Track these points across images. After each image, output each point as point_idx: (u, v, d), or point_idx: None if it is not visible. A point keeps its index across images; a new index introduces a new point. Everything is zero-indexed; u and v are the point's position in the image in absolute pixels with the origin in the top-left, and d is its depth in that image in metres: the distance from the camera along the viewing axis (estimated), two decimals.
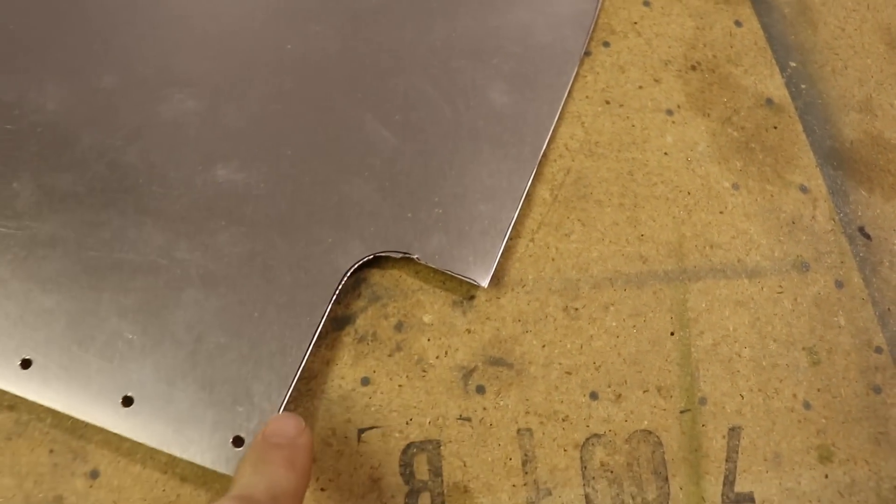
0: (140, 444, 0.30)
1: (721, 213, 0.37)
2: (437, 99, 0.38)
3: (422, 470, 0.32)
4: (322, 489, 0.31)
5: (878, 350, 0.36)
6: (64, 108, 0.37)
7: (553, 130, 0.38)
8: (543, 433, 0.33)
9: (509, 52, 0.40)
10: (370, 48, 0.39)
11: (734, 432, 0.34)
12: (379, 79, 0.39)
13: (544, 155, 0.37)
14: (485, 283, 0.34)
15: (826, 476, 0.34)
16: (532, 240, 0.36)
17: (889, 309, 0.37)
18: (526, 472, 0.32)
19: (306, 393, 0.33)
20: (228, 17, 0.39)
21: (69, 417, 0.31)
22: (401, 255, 0.34)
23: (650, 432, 0.33)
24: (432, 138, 0.37)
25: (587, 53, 0.40)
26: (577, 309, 0.35)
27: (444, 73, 0.39)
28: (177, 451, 0.30)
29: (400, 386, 0.33)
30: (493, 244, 0.35)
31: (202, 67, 0.38)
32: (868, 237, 0.38)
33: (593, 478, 0.32)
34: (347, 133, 0.37)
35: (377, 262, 0.35)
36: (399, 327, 0.34)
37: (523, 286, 0.35)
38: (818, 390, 0.35)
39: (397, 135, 0.37)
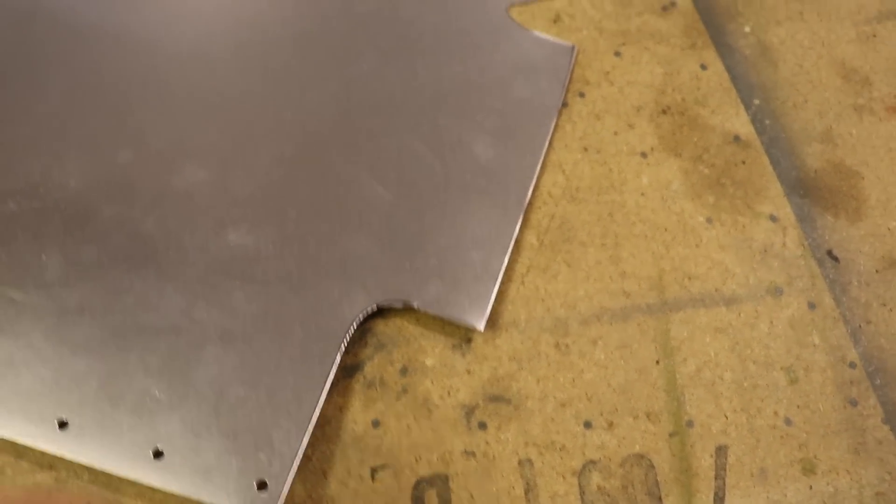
0: (171, 493, 0.33)
1: (697, 246, 0.40)
2: (427, 155, 0.41)
3: (432, 503, 0.34)
4: None
5: (852, 365, 0.39)
6: (84, 184, 0.40)
7: (536, 179, 0.41)
8: (543, 462, 0.35)
9: (491, 107, 0.43)
10: (363, 111, 0.43)
11: (721, 451, 0.36)
12: (373, 140, 0.42)
13: (529, 203, 0.40)
14: (481, 326, 0.37)
15: (810, 487, 0.36)
16: (522, 283, 0.39)
17: (860, 326, 0.40)
18: (528, 500, 0.34)
19: (322, 437, 0.35)
20: (231, 90, 0.43)
21: (104, 473, 0.34)
22: (402, 304, 0.37)
23: (642, 456, 0.36)
24: (425, 193, 0.40)
25: (564, 105, 0.43)
26: (567, 345, 0.38)
27: (432, 130, 0.42)
28: (206, 498, 0.33)
29: (408, 426, 0.36)
30: (487, 289, 0.38)
31: (210, 139, 0.41)
32: (836, 259, 0.41)
33: (592, 502, 0.35)
34: (346, 192, 0.40)
35: (381, 312, 0.38)
36: (404, 371, 0.37)
37: (516, 326, 0.38)
38: (798, 407, 0.37)
39: (392, 191, 0.40)
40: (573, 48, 0.45)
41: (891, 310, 0.40)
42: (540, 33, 0.45)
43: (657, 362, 0.38)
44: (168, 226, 0.39)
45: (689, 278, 0.40)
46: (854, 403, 0.38)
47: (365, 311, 0.37)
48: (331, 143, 0.42)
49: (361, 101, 0.43)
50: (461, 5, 0.46)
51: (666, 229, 0.40)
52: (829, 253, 0.41)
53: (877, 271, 0.41)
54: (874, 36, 0.47)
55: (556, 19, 0.46)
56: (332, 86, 0.43)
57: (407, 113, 0.43)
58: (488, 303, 0.37)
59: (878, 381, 0.38)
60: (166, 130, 0.42)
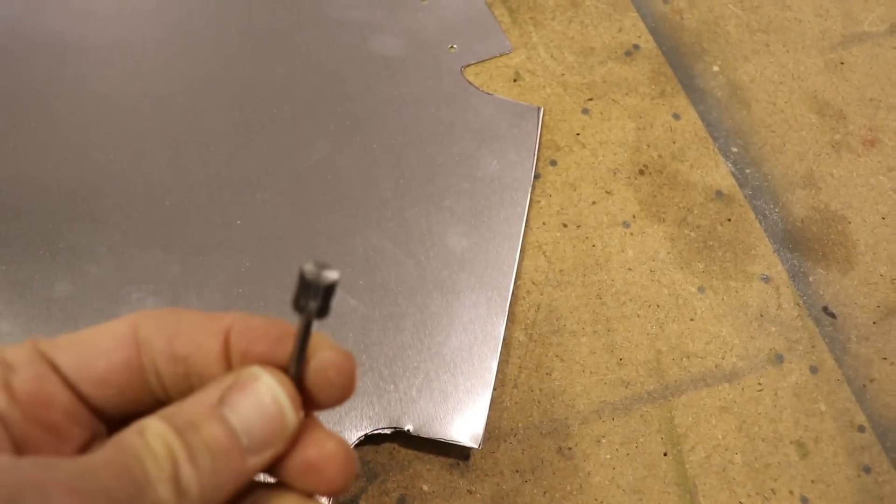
0: None
1: (692, 320, 0.38)
2: (397, 254, 0.38)
3: None
4: None
5: (861, 429, 0.37)
6: (17, 328, 0.36)
7: (517, 266, 0.38)
8: None
9: (459, 189, 0.40)
10: (320, 208, 0.39)
11: None
12: (335, 242, 0.38)
13: (513, 294, 0.38)
14: (477, 444, 0.34)
15: None
16: (515, 385, 0.36)
17: (864, 385, 0.38)
18: None
19: None
20: (174, 198, 0.39)
21: None
22: (391, 430, 0.34)
23: None
24: (400, 298, 0.37)
25: (537, 176, 0.40)
26: (570, 448, 0.35)
27: (399, 224, 0.39)
28: None
29: None
30: (479, 401, 0.35)
31: (156, 259, 0.37)
32: (833, 315, 0.40)
33: None
34: None
35: (370, 438, 0.35)
36: (402, 501, 0.34)
37: (515, 435, 0.35)
38: (812, 482, 0.36)
39: (364, 301, 0.37)
40: (539, 110, 0.42)
41: (892, 363, 0.39)
42: (501, 96, 0.42)
43: (665, 454, 0.36)
44: None
45: (688, 357, 0.38)
46: (867, 470, 0.37)
47: (352, 443, 0.34)
48: (288, 251, 0.38)
49: (316, 196, 0.39)
50: (412, 72, 0.43)
51: (658, 305, 0.38)
52: (825, 309, 0.40)
53: (874, 323, 0.40)
54: (842, 63, 0.45)
55: (516, 77, 0.43)
56: (281, 183, 0.39)
57: (368, 206, 0.39)
58: (483, 417, 0.35)
59: (888, 443, 0.37)
60: (106, 254, 0.37)
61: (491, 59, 0.43)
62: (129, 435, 0.17)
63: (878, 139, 0.44)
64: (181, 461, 0.17)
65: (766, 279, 0.40)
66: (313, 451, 0.19)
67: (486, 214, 0.39)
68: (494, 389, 0.36)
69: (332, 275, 0.18)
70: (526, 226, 0.39)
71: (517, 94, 0.42)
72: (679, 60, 0.44)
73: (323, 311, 0.18)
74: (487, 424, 0.35)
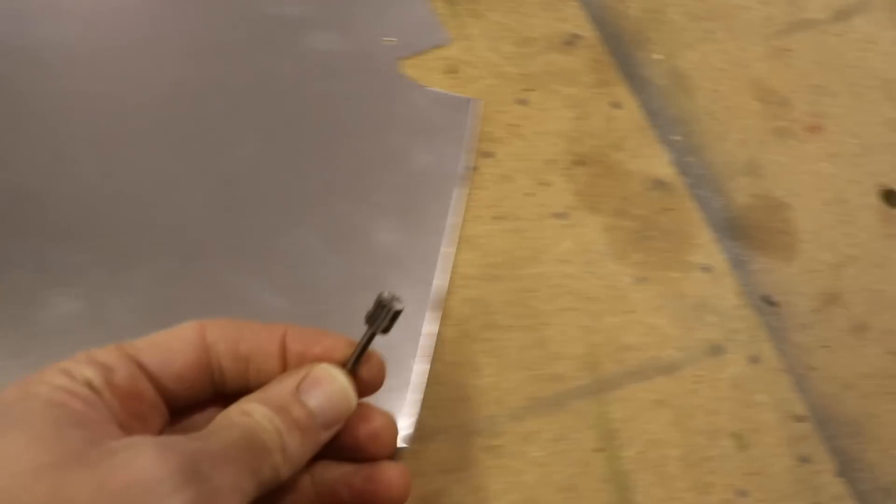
0: None
1: (628, 312, 0.38)
2: (324, 251, 0.37)
3: None
4: None
5: (800, 419, 0.37)
6: None
7: (447, 261, 0.38)
8: None
9: (390, 183, 0.39)
10: (247, 207, 0.38)
11: None
12: (261, 241, 0.37)
13: (444, 290, 0.37)
14: (404, 443, 0.33)
15: None
16: (445, 383, 0.35)
17: (803, 374, 0.38)
18: None
19: None
20: (98, 198, 0.38)
21: None
22: None
23: None
24: (325, 296, 0.37)
25: (471, 169, 0.40)
26: (500, 446, 0.35)
27: (328, 221, 0.38)
28: None
29: None
30: (408, 401, 0.34)
31: (79, 262, 0.36)
32: (774, 304, 0.39)
33: None
34: (238, 309, 0.36)
35: None
36: None
37: (443, 434, 0.35)
38: (750, 475, 0.35)
39: (289, 299, 0.36)
40: (475, 102, 0.41)
41: (833, 351, 0.38)
42: (436, 89, 0.41)
43: (599, 450, 0.35)
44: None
45: (624, 350, 0.37)
46: (806, 460, 0.36)
47: None
48: (214, 251, 0.37)
49: (244, 195, 0.38)
50: (346, 67, 0.42)
51: (594, 298, 0.38)
52: (766, 298, 0.39)
53: (815, 311, 0.39)
54: (787, 50, 0.45)
55: (453, 69, 0.42)
56: (209, 182, 0.39)
57: (297, 204, 0.38)
58: (411, 416, 0.34)
59: (827, 432, 0.37)
60: (24, 255, 0.36)
61: (428, 51, 0.42)
62: (238, 416, 0.22)
63: (821, 125, 0.43)
64: (285, 434, 0.22)
65: (707, 269, 0.39)
66: (378, 422, 0.26)
67: (415, 209, 0.39)
68: (425, 387, 0.35)
69: (399, 305, 0.25)
70: (459, 219, 0.39)
71: (454, 87, 0.41)
72: (621, 49, 0.44)
73: (387, 330, 0.25)
74: (416, 423, 0.34)
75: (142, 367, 0.23)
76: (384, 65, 0.42)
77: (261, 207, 0.38)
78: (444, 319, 0.37)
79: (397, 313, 0.25)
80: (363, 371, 0.25)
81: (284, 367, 0.25)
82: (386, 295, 0.25)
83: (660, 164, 0.41)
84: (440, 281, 0.37)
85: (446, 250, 0.38)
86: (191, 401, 0.25)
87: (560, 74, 0.42)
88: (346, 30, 0.43)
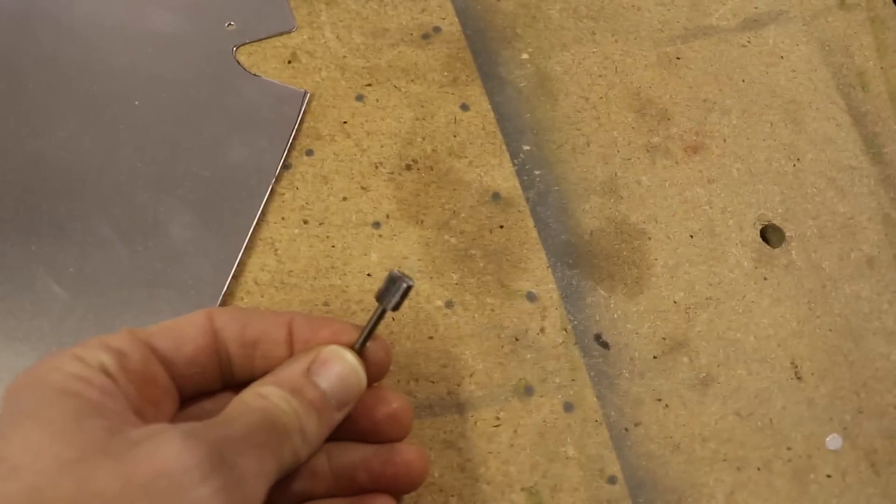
0: None
1: (430, 338, 0.33)
2: (115, 242, 0.35)
3: None
4: None
5: (612, 480, 0.32)
6: None
7: (240, 264, 0.34)
8: None
9: (198, 176, 0.36)
10: (50, 191, 0.36)
11: None
12: (56, 226, 0.35)
13: (231, 294, 0.34)
14: None
15: None
16: None
17: (626, 429, 0.32)
18: None
19: None
20: None
21: None
22: None
23: None
24: (107, 289, 0.34)
25: (286, 167, 0.36)
26: None
27: (124, 211, 0.35)
28: None
29: None
30: None
31: None
32: (605, 346, 0.34)
33: None
34: (18, 294, 0.34)
35: None
36: None
37: None
38: None
39: (69, 289, 0.34)
40: (304, 94, 0.37)
41: (666, 406, 0.33)
42: (269, 78, 0.38)
43: None
44: None
45: (416, 380, 0.33)
46: None
47: None
48: (6, 230, 0.35)
49: (50, 178, 0.36)
50: (181, 50, 0.39)
51: (393, 319, 0.33)
52: (598, 338, 0.34)
53: (655, 357, 0.34)
54: (678, 59, 0.39)
55: (292, 58, 0.39)
56: (16, 161, 0.36)
57: (99, 190, 0.36)
58: None
59: (642, 498, 0.31)
60: None
61: (269, 38, 0.39)
62: (254, 399, 0.22)
63: (703, 145, 0.38)
64: (302, 416, 0.22)
65: (532, 297, 0.34)
66: (396, 404, 0.26)
67: (218, 205, 0.35)
68: None
69: (410, 282, 0.25)
70: (262, 220, 0.35)
71: (289, 77, 0.38)
72: (484, 46, 0.39)
73: (397, 307, 0.25)
74: None
75: (154, 351, 0.23)
76: (220, 51, 0.39)
77: (62, 191, 0.36)
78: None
79: (408, 289, 0.25)
80: (371, 351, 0.26)
81: (291, 352, 0.25)
82: (397, 272, 0.25)
83: (501, 176, 0.36)
84: (224, 284, 0.34)
85: (238, 254, 0.34)
86: (199, 388, 0.25)
87: (408, 70, 0.38)
88: (189, 12, 0.40)
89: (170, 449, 0.19)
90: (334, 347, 0.25)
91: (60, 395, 0.20)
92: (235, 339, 0.25)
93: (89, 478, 0.18)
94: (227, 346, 0.25)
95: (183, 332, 0.24)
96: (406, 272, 0.25)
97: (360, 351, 0.25)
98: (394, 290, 0.25)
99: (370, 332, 0.25)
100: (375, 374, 0.26)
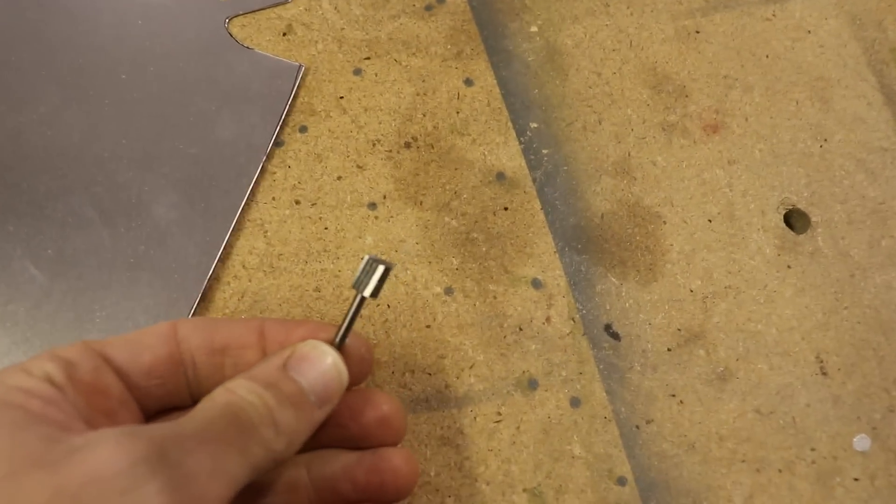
0: None
1: (428, 327, 0.31)
2: (96, 223, 0.33)
3: None
4: None
5: (622, 481, 0.29)
6: None
7: (227, 247, 0.32)
8: None
9: (185, 154, 0.34)
10: (31, 168, 0.34)
11: None
12: (35, 205, 0.33)
13: (216, 278, 0.32)
14: None
15: None
16: None
17: (637, 426, 0.30)
18: None
19: None
20: None
21: None
22: None
23: None
24: (87, 271, 0.32)
25: (278, 144, 0.34)
26: None
27: (107, 189, 0.33)
28: None
29: None
30: None
31: None
32: (616, 337, 0.32)
33: None
34: None
35: None
36: None
37: None
38: None
39: (47, 272, 0.32)
40: (299, 68, 0.35)
41: (681, 402, 0.31)
42: (262, 51, 0.36)
43: None
44: None
45: (412, 372, 0.30)
46: None
47: None
48: None
49: (30, 155, 0.34)
50: (172, 22, 0.37)
51: (389, 306, 0.31)
52: (608, 328, 0.32)
53: (669, 349, 0.31)
54: (697, 32, 0.37)
55: (287, 31, 0.36)
56: None
57: (81, 167, 0.34)
58: None
59: (652, 502, 0.29)
60: None
61: (264, 9, 0.37)
62: (221, 394, 0.21)
63: (723, 124, 0.35)
64: (275, 409, 0.21)
65: (538, 284, 0.32)
66: (387, 406, 0.24)
67: (206, 185, 0.33)
68: None
69: (389, 263, 0.23)
70: (252, 200, 0.33)
71: (283, 50, 0.36)
72: (491, 18, 0.37)
73: (375, 293, 0.23)
74: None
75: (108, 361, 0.22)
76: (211, 22, 0.37)
77: (42, 168, 0.34)
78: (210, 314, 0.31)
79: (386, 272, 0.23)
80: (352, 345, 0.24)
81: (264, 356, 0.23)
82: (371, 256, 0.23)
83: (507, 155, 0.34)
84: (208, 267, 0.32)
85: (225, 235, 0.32)
86: (165, 401, 0.23)
87: (409, 42, 0.36)
88: None
89: (103, 451, 0.17)
90: (312, 341, 0.23)
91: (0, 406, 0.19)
92: (202, 347, 0.23)
93: (17, 491, 0.17)
94: (193, 354, 0.23)
95: (141, 342, 0.23)
96: (384, 259, 0.23)
97: (339, 346, 0.24)
98: (371, 274, 0.23)
99: (350, 324, 0.24)
100: (357, 373, 0.24)
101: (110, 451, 0.17)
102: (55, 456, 0.17)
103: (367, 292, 0.23)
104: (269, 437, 0.20)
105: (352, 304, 0.24)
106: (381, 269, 0.23)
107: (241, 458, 0.19)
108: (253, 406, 0.20)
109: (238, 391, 0.21)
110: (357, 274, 0.23)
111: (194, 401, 0.23)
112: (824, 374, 0.31)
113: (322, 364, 0.22)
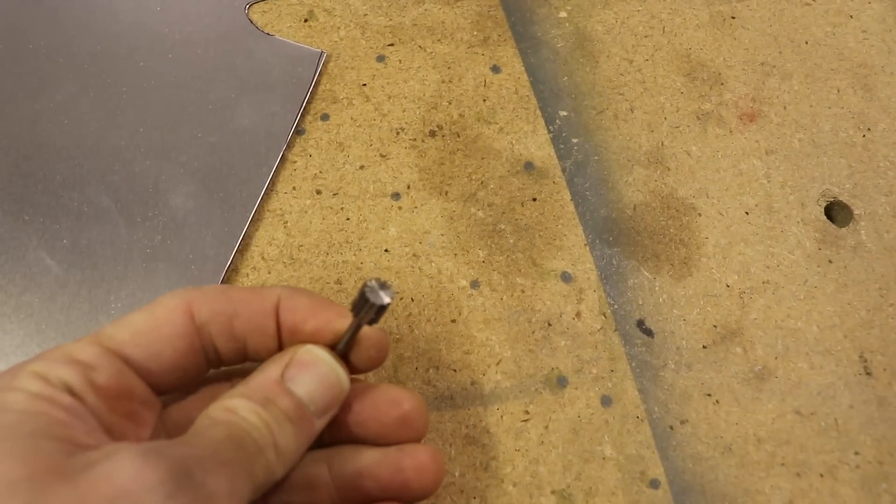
0: None
1: (453, 321, 0.30)
2: (112, 213, 0.32)
3: None
4: None
5: (654, 484, 0.28)
6: None
7: (246, 237, 0.31)
8: None
9: (203, 143, 0.33)
10: (47, 155, 0.33)
11: None
12: (51, 194, 0.33)
13: (235, 269, 0.31)
14: None
15: None
16: None
17: (671, 427, 0.29)
18: None
19: None
20: None
21: None
22: None
23: None
24: (102, 262, 0.31)
25: (299, 132, 0.33)
26: None
27: (123, 178, 0.33)
28: None
29: None
30: None
31: None
32: (649, 333, 0.30)
33: None
34: (8, 266, 0.31)
35: None
36: None
37: None
38: None
39: (62, 262, 0.31)
40: (321, 55, 0.34)
41: (717, 402, 0.29)
42: (283, 38, 0.35)
43: None
44: None
45: (436, 368, 0.29)
46: None
47: None
48: (2, 198, 0.32)
49: (48, 142, 0.34)
50: (190, 8, 0.36)
51: (413, 300, 0.30)
52: (641, 324, 0.30)
53: (704, 347, 0.30)
54: (732, 18, 0.35)
55: (309, 17, 0.35)
56: (11, 126, 0.34)
57: (98, 156, 0.33)
58: None
59: None
60: None
61: None
62: (222, 414, 0.20)
63: (760, 113, 0.34)
64: (275, 429, 0.20)
65: (568, 278, 0.31)
66: (408, 405, 0.23)
67: (224, 174, 0.32)
68: None
69: (386, 298, 0.21)
70: (271, 190, 0.32)
71: (304, 37, 0.35)
72: (518, 3, 0.36)
73: (373, 322, 0.22)
74: None
75: (128, 362, 0.21)
76: (231, 8, 0.36)
77: (58, 157, 0.33)
78: None
79: (382, 308, 0.21)
80: (356, 353, 0.23)
81: (281, 344, 0.23)
82: (371, 284, 0.21)
83: (535, 144, 0.33)
84: (226, 259, 0.31)
85: (244, 226, 0.31)
86: (183, 383, 0.23)
87: (434, 28, 0.35)
88: None
89: (129, 467, 0.17)
90: (310, 348, 0.22)
91: (20, 415, 0.18)
92: (221, 335, 0.22)
93: (40, 499, 0.16)
94: (214, 341, 0.22)
95: (160, 335, 0.22)
96: (387, 281, 0.21)
97: (343, 351, 0.23)
98: (368, 307, 0.21)
99: (352, 337, 0.22)
100: (367, 359, 0.23)
101: (138, 468, 0.17)
102: (74, 468, 0.17)
103: (364, 322, 0.22)
104: (270, 459, 0.20)
105: (350, 328, 0.22)
106: (376, 306, 0.21)
107: (248, 480, 0.19)
108: (256, 429, 0.20)
109: (239, 412, 0.20)
110: (356, 298, 0.21)
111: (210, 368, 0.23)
112: (868, 374, 0.30)
113: (320, 373, 0.22)
